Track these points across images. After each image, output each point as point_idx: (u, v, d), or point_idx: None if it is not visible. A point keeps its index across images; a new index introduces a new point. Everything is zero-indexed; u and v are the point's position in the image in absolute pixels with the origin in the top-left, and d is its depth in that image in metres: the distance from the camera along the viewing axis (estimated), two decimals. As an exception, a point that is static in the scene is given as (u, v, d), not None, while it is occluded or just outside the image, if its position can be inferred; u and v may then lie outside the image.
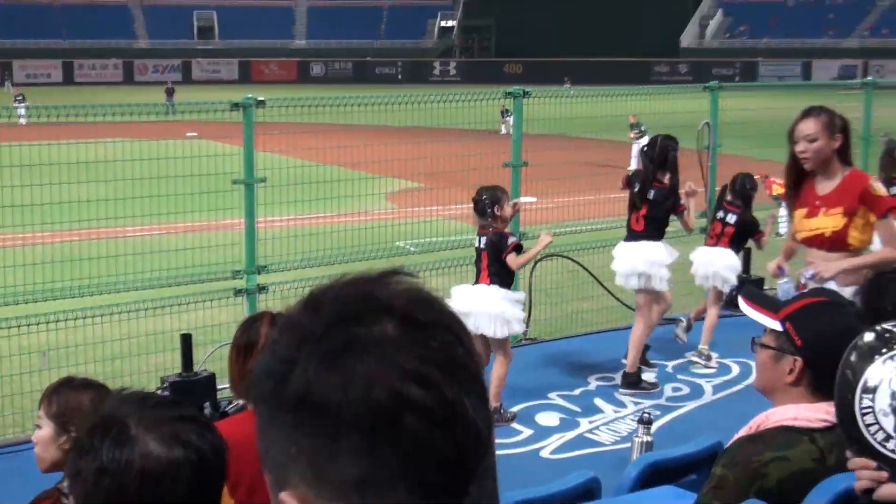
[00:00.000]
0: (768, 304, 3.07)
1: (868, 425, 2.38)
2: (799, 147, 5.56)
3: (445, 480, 1.00)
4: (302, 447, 1.00)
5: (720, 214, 8.89)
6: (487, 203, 7.28)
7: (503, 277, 7.33)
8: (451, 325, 1.06)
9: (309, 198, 9.07)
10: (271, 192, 8.26)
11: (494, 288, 7.26)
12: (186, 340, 7.24)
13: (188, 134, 13.36)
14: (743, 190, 8.88)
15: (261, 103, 7.97)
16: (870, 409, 2.38)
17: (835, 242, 5.55)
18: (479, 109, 10.04)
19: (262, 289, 8.07)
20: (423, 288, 1.08)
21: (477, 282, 7.36)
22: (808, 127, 5.53)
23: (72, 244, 8.83)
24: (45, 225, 8.26)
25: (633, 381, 8.07)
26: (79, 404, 3.25)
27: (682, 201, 8.12)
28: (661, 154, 7.99)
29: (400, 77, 73.43)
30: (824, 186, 5.62)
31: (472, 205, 7.39)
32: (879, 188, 5.64)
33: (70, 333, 7.68)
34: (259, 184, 7.97)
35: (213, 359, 7.67)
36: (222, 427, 2.12)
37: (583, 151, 14.51)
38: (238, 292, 8.02)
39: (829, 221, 5.56)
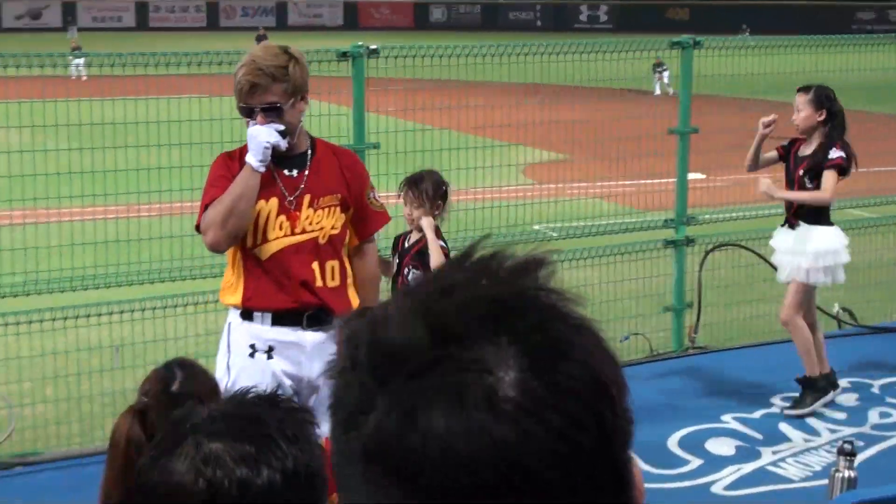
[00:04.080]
0: None
1: None
2: None
3: None
4: (369, 500, 0.97)
5: None
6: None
7: None
8: (593, 394, 0.95)
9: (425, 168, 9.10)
10: (385, 160, 8.33)
11: None
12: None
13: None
14: None
15: (373, 52, 8.04)
16: None
17: None
18: (630, 64, 9.95)
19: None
20: (576, 317, 0.99)
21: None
22: None
23: (149, 221, 9.04)
24: (109, 197, 8.46)
25: (818, 387, 7.97)
26: None
27: None
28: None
29: (539, 23, 73.28)
30: None
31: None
32: None
33: (147, 326, 7.90)
34: (371, 150, 8.05)
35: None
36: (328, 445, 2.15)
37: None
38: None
39: None
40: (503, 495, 0.90)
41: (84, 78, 18.70)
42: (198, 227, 5.21)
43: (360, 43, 8.02)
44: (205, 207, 5.06)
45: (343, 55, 7.95)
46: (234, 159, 5.16)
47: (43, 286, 7.69)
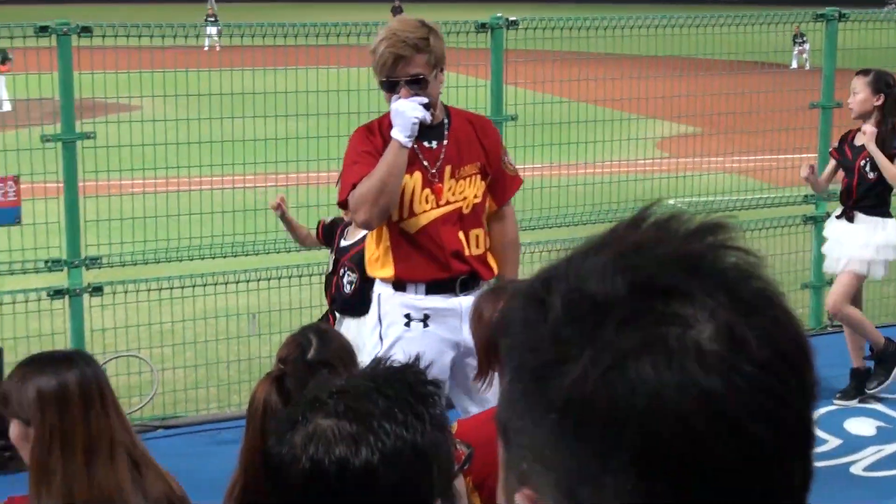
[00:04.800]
0: None
1: None
2: None
3: None
4: (559, 457, 0.96)
5: None
6: None
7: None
8: (793, 350, 0.97)
9: (561, 142, 9.09)
10: (522, 132, 8.34)
11: None
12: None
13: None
14: None
15: (513, 24, 8.04)
16: None
17: None
18: (767, 37, 9.79)
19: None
20: (762, 279, 0.99)
21: None
22: None
23: (286, 189, 9.16)
24: (248, 166, 8.58)
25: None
26: None
27: None
28: None
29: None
30: None
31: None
32: None
33: (283, 294, 8.02)
34: (508, 122, 8.05)
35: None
36: (463, 426, 2.15)
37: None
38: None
39: None
40: (708, 446, 0.91)
41: (217, 48, 19.01)
42: (341, 204, 5.27)
43: (499, 14, 8.02)
44: (351, 185, 5.06)
45: (482, 27, 7.96)
46: (374, 133, 5.16)
47: (184, 253, 7.88)
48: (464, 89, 8.36)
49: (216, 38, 17.68)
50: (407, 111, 4.95)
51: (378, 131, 5.15)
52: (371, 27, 8.58)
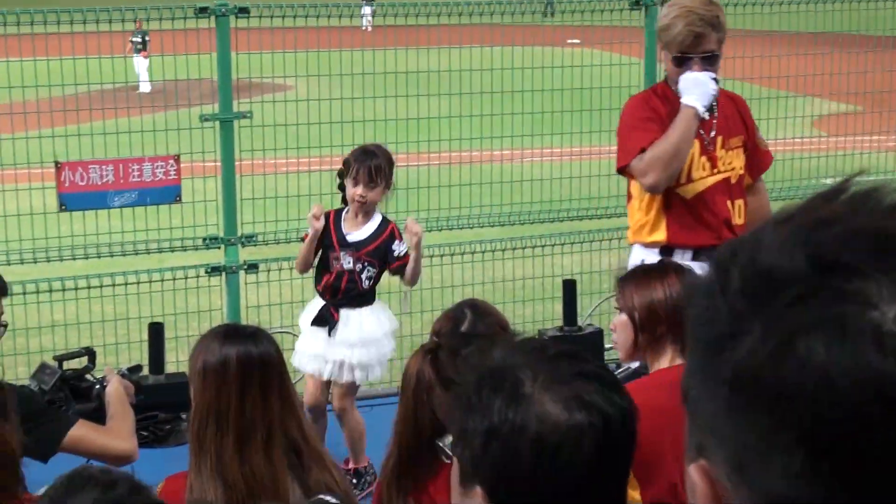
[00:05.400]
0: None
1: None
2: None
3: None
4: (730, 431, 0.95)
5: None
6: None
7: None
8: None
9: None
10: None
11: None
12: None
13: (569, 41, 13.57)
14: None
15: (665, 1, 7.92)
16: None
17: None
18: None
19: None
20: None
21: None
22: None
23: (427, 169, 9.21)
24: (399, 145, 8.63)
25: None
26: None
27: None
28: None
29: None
30: None
31: None
32: None
33: (436, 272, 8.07)
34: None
35: (600, 312, 7.83)
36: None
37: None
38: (628, 232, 8.11)
39: None
40: (877, 432, 0.87)
41: (368, 29, 19.13)
42: (620, 170, 5.46)
43: (653, -8, 7.95)
44: (638, 149, 5.25)
45: (636, 4, 7.90)
46: (654, 101, 5.40)
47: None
48: (617, 67, 8.30)
49: (370, 18, 17.82)
50: (708, 84, 5.18)
51: (659, 98, 5.41)
52: (515, 5, 8.58)
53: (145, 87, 20.98)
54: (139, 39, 22.14)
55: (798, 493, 0.90)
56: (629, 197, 5.61)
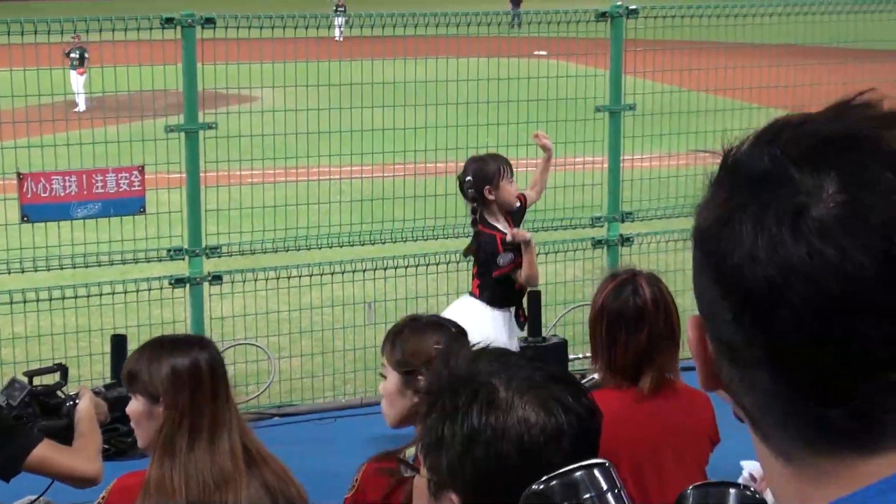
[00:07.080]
0: None
1: None
2: None
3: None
4: (702, 287, 1.11)
5: None
6: (470, 183, 6.38)
7: (495, 291, 6.52)
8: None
9: (680, 131, 9.04)
10: (641, 122, 8.31)
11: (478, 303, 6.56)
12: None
13: (536, 52, 13.65)
14: None
15: (632, 13, 8.00)
16: None
17: None
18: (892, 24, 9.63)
19: (625, 240, 8.17)
20: None
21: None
22: None
23: (403, 180, 9.24)
24: (366, 156, 8.64)
25: None
26: (427, 349, 3.46)
27: None
28: None
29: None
30: None
31: None
32: None
33: (399, 284, 8.10)
34: (627, 112, 8.03)
35: (564, 323, 7.88)
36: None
37: None
38: (597, 243, 8.15)
39: None
40: (786, 295, 1.02)
41: (339, 39, 19.09)
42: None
43: (619, 3, 8.00)
44: None
45: (602, 16, 7.95)
46: None
47: (301, 242, 7.99)
48: (583, 79, 8.35)
49: (341, 28, 17.77)
50: None
51: None
52: (491, 16, 8.61)
53: (81, 104, 20.63)
54: (76, 56, 21.48)
55: (731, 336, 1.08)
56: None
